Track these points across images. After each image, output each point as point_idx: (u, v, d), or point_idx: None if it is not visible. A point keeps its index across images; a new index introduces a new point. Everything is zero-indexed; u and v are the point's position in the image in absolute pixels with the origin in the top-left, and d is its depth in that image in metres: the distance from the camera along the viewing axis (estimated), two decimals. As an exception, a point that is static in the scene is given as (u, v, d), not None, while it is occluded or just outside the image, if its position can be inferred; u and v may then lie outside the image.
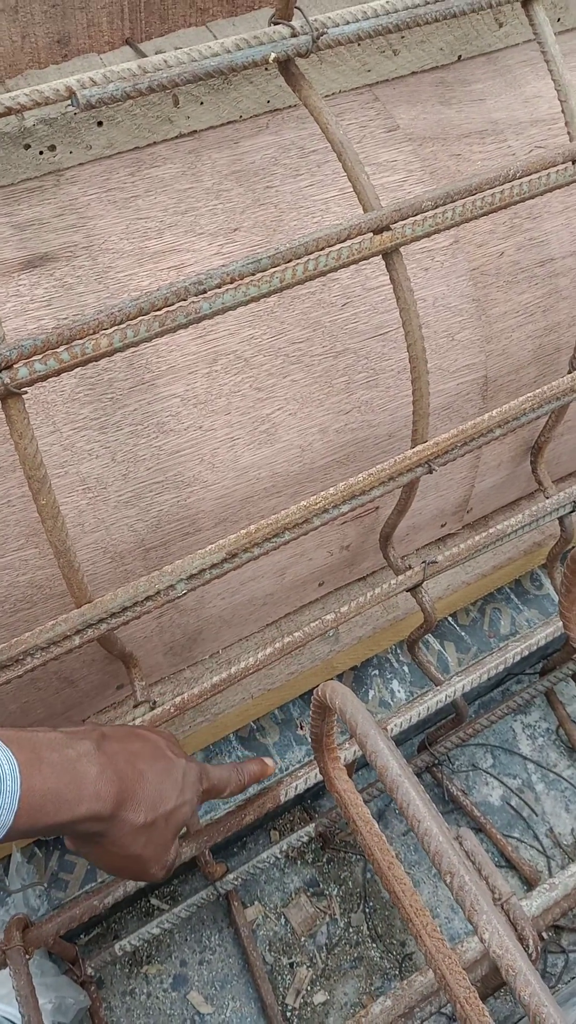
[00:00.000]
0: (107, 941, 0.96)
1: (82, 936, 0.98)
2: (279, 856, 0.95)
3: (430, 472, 0.75)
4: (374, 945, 1.00)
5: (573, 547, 0.81)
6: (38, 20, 0.69)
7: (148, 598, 0.65)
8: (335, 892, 1.03)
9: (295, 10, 0.68)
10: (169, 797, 0.58)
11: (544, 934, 1.05)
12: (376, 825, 0.62)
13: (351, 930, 1.00)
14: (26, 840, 0.85)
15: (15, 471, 0.64)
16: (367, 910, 1.02)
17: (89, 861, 0.61)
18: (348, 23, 0.69)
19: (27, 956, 0.74)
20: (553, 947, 1.02)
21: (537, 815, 1.10)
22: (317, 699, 0.57)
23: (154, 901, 1.00)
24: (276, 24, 0.68)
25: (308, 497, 0.70)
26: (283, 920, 1.00)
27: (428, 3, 0.73)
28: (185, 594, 0.66)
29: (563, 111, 0.78)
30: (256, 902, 1.01)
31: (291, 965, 0.98)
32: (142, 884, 0.76)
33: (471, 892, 0.47)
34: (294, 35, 0.67)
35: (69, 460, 0.66)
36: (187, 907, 0.92)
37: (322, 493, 0.69)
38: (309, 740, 0.98)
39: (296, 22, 0.68)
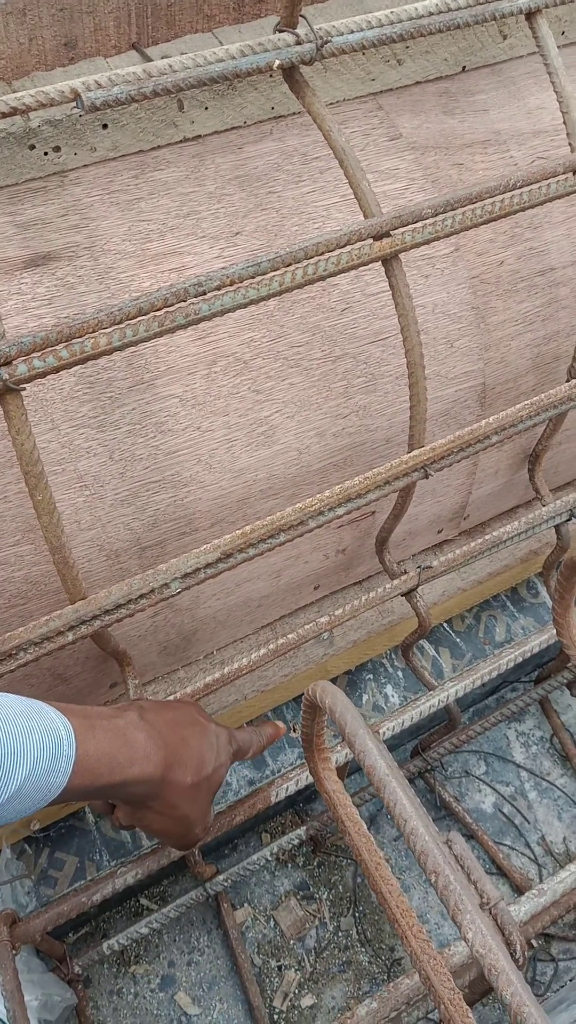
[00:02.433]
0: (96, 940, 0.96)
1: (71, 935, 0.98)
2: (269, 859, 0.95)
3: (426, 477, 0.75)
4: (363, 949, 1.00)
5: (568, 554, 0.81)
6: (46, 23, 0.70)
7: (142, 596, 0.66)
8: (325, 896, 1.03)
9: (300, 18, 0.69)
10: (208, 760, 0.62)
11: (534, 942, 1.05)
12: (364, 826, 0.62)
13: (340, 934, 1.00)
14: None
15: (12, 467, 0.65)
16: (356, 914, 1.02)
17: (139, 827, 0.64)
18: (352, 32, 0.70)
19: (14, 951, 0.74)
20: (543, 955, 1.02)
21: (529, 823, 1.10)
22: (308, 699, 0.57)
23: (144, 901, 1.01)
24: (281, 32, 0.69)
25: (305, 499, 0.70)
26: (272, 923, 1.00)
27: (432, 14, 0.74)
28: (179, 593, 0.67)
29: (565, 122, 0.78)
30: (246, 904, 1.01)
31: (279, 968, 0.98)
32: (131, 882, 0.76)
33: (455, 891, 0.47)
34: (298, 43, 0.68)
35: (67, 457, 0.67)
36: (176, 907, 0.92)
37: (318, 495, 0.70)
38: (301, 741, 0.98)
39: (301, 30, 0.68)
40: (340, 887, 1.04)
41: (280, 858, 1.05)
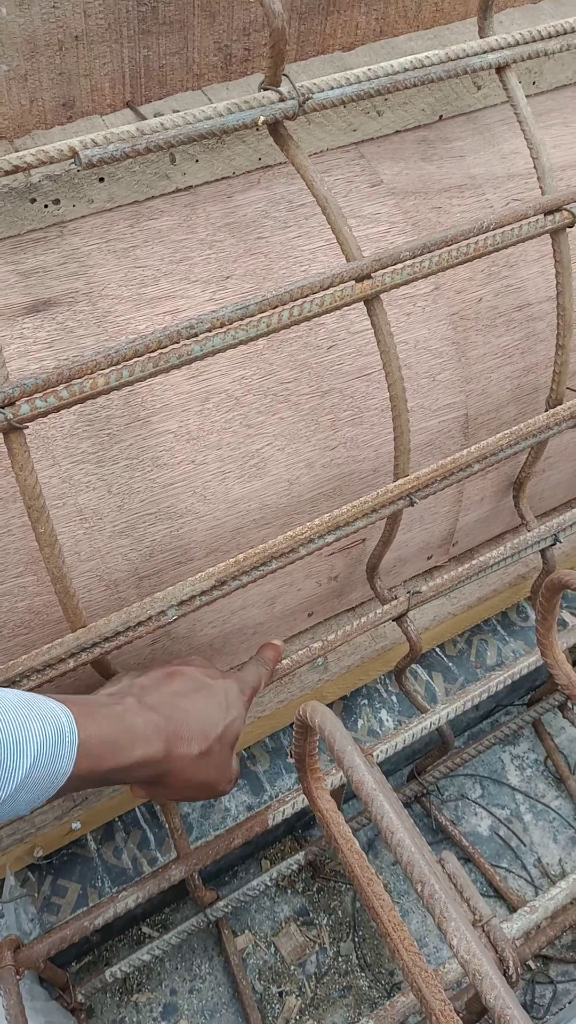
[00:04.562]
0: (98, 969, 0.97)
1: (73, 964, 0.99)
2: (269, 884, 0.97)
3: (411, 505, 0.78)
4: (363, 974, 1.00)
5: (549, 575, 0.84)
6: (46, 86, 0.74)
7: (140, 623, 0.68)
8: (324, 921, 1.04)
9: (283, 76, 0.73)
10: (217, 721, 0.63)
11: (531, 963, 1.06)
12: (356, 843, 0.64)
13: (340, 959, 1.01)
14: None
15: (15, 502, 0.68)
16: (356, 939, 1.03)
17: (159, 802, 0.66)
18: (332, 88, 0.75)
19: (18, 977, 0.75)
20: (541, 977, 1.02)
21: (525, 845, 1.11)
22: (299, 719, 0.60)
23: (145, 929, 1.02)
24: (266, 89, 0.73)
25: (296, 528, 0.73)
26: (273, 949, 1.01)
27: (407, 70, 0.79)
28: (176, 620, 0.69)
29: (535, 167, 0.83)
30: (246, 931, 1.02)
31: (280, 994, 0.99)
32: (131, 905, 0.77)
33: (440, 900, 0.49)
34: (282, 100, 0.73)
35: (67, 492, 0.70)
36: (178, 934, 0.93)
37: (308, 524, 0.73)
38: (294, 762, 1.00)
39: (284, 87, 0.73)
40: (339, 912, 1.05)
41: (280, 884, 1.06)
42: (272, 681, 0.76)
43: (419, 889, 0.51)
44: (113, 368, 0.62)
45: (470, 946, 0.48)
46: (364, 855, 0.64)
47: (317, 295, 0.69)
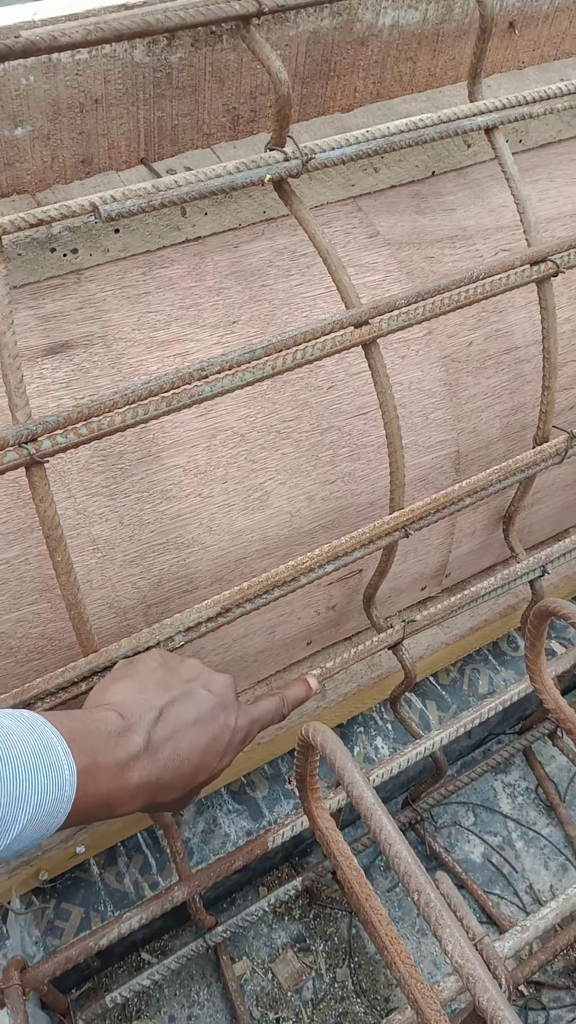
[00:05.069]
0: (98, 995, 0.98)
1: (73, 991, 1.00)
2: (267, 910, 0.99)
3: (406, 536, 0.82)
4: (359, 1000, 1.02)
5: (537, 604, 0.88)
6: (66, 144, 0.79)
7: (149, 648, 0.72)
8: (321, 948, 1.05)
9: (288, 138, 0.79)
10: (207, 769, 0.62)
11: (524, 990, 1.08)
12: (355, 860, 0.67)
13: (336, 985, 1.03)
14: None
15: (33, 532, 0.71)
16: (352, 965, 1.04)
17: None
18: (333, 149, 0.81)
19: (24, 997, 0.77)
20: (534, 1004, 1.04)
21: (517, 872, 1.13)
22: (301, 738, 0.63)
23: (145, 955, 1.03)
24: (271, 150, 0.79)
25: (297, 558, 0.77)
26: (270, 975, 1.03)
27: (402, 131, 0.85)
28: (183, 645, 0.73)
29: (521, 221, 0.89)
30: (244, 957, 1.04)
31: (277, 1020, 1.00)
32: (135, 926, 0.79)
33: (436, 908, 0.52)
34: (286, 159, 0.78)
35: (81, 523, 0.74)
36: (177, 959, 0.95)
37: (308, 554, 0.77)
38: (296, 792, 1.03)
39: (288, 148, 0.79)
40: (336, 939, 1.06)
41: (277, 911, 1.08)
42: (284, 718, 0.71)
43: (415, 898, 0.54)
44: (129, 407, 0.66)
45: (464, 951, 0.51)
46: (362, 871, 0.67)
47: (318, 340, 0.74)
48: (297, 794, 1.03)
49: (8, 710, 0.54)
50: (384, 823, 0.56)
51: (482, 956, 0.74)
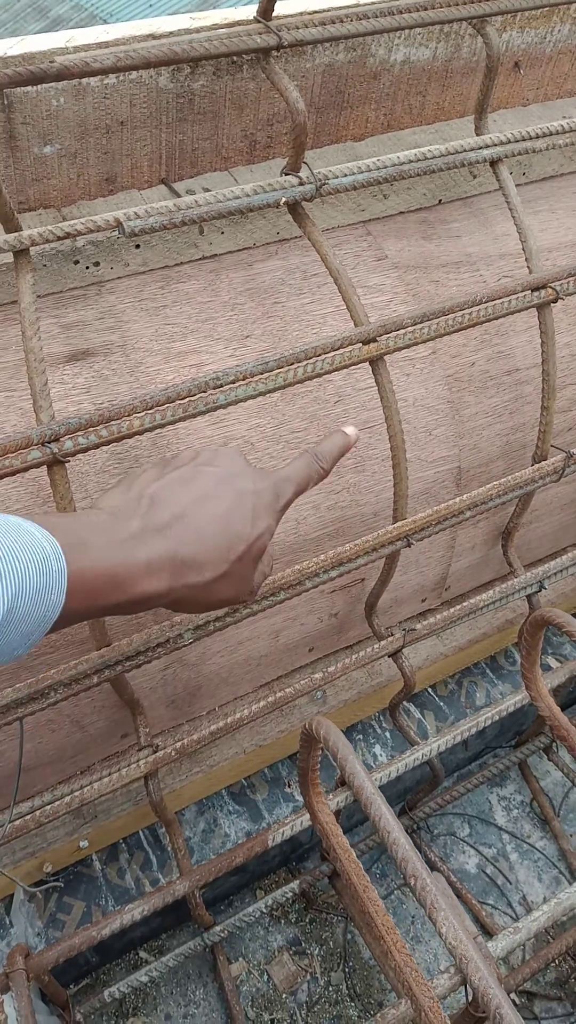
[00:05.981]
0: (96, 991, 1.00)
1: (72, 986, 1.01)
2: (264, 911, 1.00)
3: (408, 546, 0.85)
4: (352, 1004, 1.03)
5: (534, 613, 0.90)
6: (92, 163, 0.84)
7: (159, 644, 0.75)
8: (316, 951, 1.07)
9: (303, 163, 0.83)
10: (240, 537, 0.54)
11: (516, 999, 1.09)
12: (354, 853, 0.69)
13: (331, 988, 1.04)
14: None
15: (51, 530, 0.74)
16: (347, 969, 1.06)
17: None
18: (346, 175, 0.85)
19: (28, 982, 0.79)
20: (526, 1014, 1.05)
21: (511, 883, 1.15)
22: (305, 732, 0.66)
23: (143, 954, 1.05)
24: (287, 174, 0.83)
25: (302, 563, 0.80)
26: (266, 977, 1.04)
27: (411, 161, 0.89)
28: (191, 643, 0.76)
29: (523, 249, 0.93)
30: (240, 958, 1.05)
31: (272, 1021, 1.01)
32: (137, 917, 0.81)
33: (431, 892, 0.55)
34: (301, 184, 0.82)
35: (97, 523, 0.77)
36: (175, 956, 0.96)
37: (314, 559, 0.80)
38: (296, 795, 1.05)
39: (303, 173, 0.83)
40: (331, 943, 1.08)
41: (274, 914, 1.09)
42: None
43: (412, 883, 0.56)
44: (147, 412, 0.70)
45: (458, 933, 0.53)
46: (360, 864, 0.69)
47: (328, 355, 0.78)
48: (297, 797, 1.05)
49: None
50: (383, 812, 0.58)
51: (474, 954, 0.75)
